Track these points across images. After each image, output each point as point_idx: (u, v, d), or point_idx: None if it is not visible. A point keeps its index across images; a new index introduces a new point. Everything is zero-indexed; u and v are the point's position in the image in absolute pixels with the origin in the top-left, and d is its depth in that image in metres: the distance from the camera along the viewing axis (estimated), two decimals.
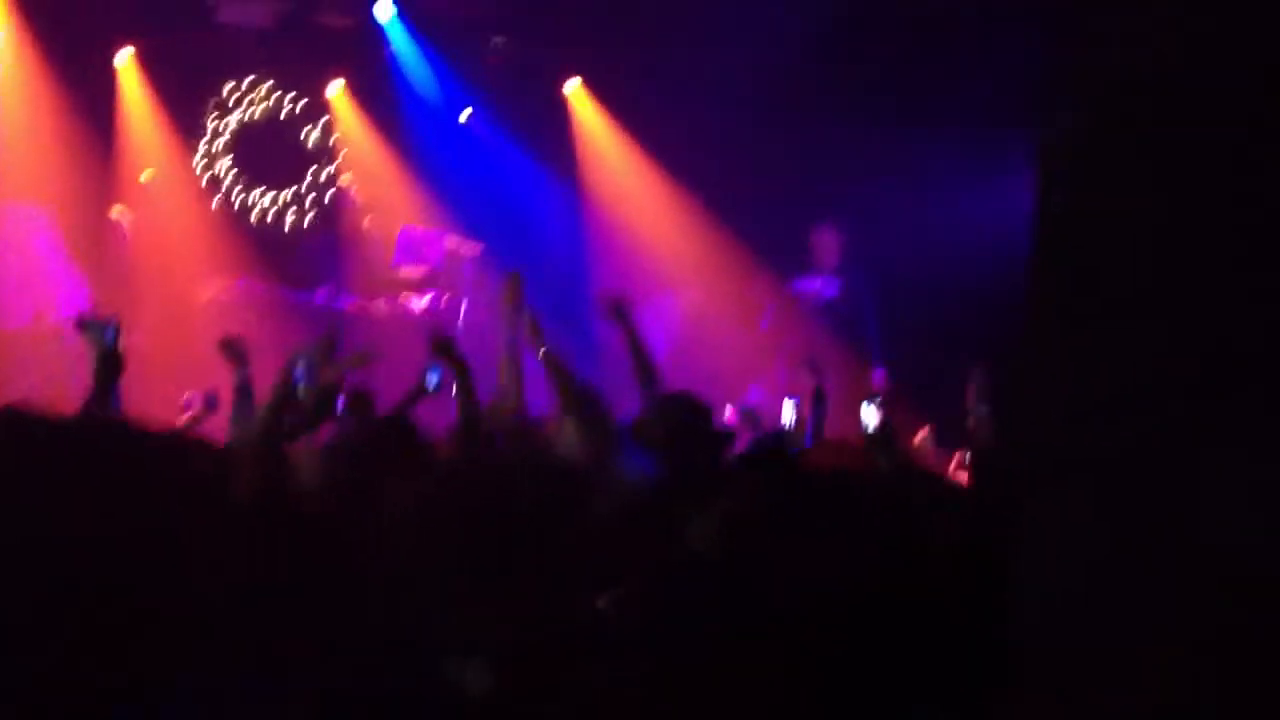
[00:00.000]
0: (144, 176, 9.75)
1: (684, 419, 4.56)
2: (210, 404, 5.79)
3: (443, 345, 4.99)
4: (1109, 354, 1.48)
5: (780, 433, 5.84)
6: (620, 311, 5.44)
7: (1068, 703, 1.45)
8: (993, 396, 5.39)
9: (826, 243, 9.28)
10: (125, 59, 10.27)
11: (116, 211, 9.65)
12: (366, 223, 10.78)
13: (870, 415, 5.72)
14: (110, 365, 4.55)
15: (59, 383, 7.71)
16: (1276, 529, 1.36)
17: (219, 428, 5.31)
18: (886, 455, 4.94)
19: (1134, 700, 1.41)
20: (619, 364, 9.47)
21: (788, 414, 6.16)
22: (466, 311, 9.23)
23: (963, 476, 5.60)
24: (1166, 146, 1.47)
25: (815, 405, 6.01)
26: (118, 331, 4.77)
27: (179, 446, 3.12)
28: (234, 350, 5.01)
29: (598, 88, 10.92)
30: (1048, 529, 1.50)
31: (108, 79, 10.28)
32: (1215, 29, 1.45)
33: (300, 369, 4.23)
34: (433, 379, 5.76)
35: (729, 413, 6.67)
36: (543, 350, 4.99)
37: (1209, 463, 1.39)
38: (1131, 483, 1.44)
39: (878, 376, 8.72)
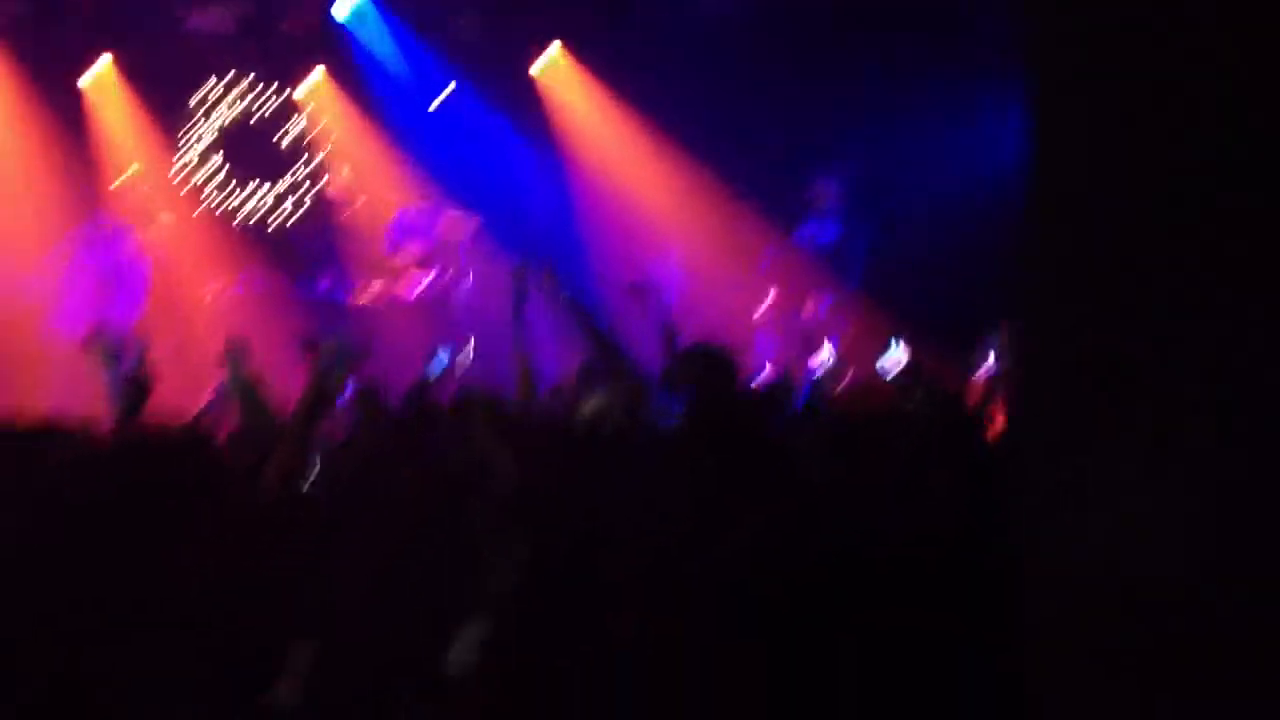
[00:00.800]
0: (118, 181, 9.72)
1: (708, 363, 4.64)
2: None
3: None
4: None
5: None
6: (642, 292, 5.55)
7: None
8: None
9: (823, 189, 9.32)
10: (103, 68, 10.28)
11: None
12: (356, 208, 10.79)
13: (896, 353, 5.69)
14: (137, 391, 4.48)
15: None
16: None
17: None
18: (922, 395, 4.96)
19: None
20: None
21: (824, 354, 6.11)
22: (469, 286, 9.24)
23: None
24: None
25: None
26: (144, 354, 4.67)
27: (200, 449, 3.15)
28: (236, 350, 4.89)
29: (574, 51, 10.90)
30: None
31: (81, 95, 10.30)
32: None
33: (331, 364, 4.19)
34: (437, 365, 5.76)
35: (768, 370, 6.61)
36: (565, 295, 5.00)
37: None
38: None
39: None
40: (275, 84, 10.93)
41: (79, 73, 10.26)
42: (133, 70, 10.40)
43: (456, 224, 9.58)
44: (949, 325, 7.59)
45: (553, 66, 10.99)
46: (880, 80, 9.29)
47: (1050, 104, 1.57)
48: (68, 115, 10.04)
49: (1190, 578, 1.42)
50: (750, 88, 9.69)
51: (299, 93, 10.99)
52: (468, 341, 8.93)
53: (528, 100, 10.91)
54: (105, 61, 10.30)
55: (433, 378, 5.80)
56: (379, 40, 10.78)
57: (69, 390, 7.86)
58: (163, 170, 10.50)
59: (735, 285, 9.71)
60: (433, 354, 6.62)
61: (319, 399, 4.12)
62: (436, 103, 10.87)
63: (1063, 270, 1.53)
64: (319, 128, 11.00)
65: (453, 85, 10.84)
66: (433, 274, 10.01)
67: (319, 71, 10.93)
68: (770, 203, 9.77)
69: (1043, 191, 1.57)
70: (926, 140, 9.22)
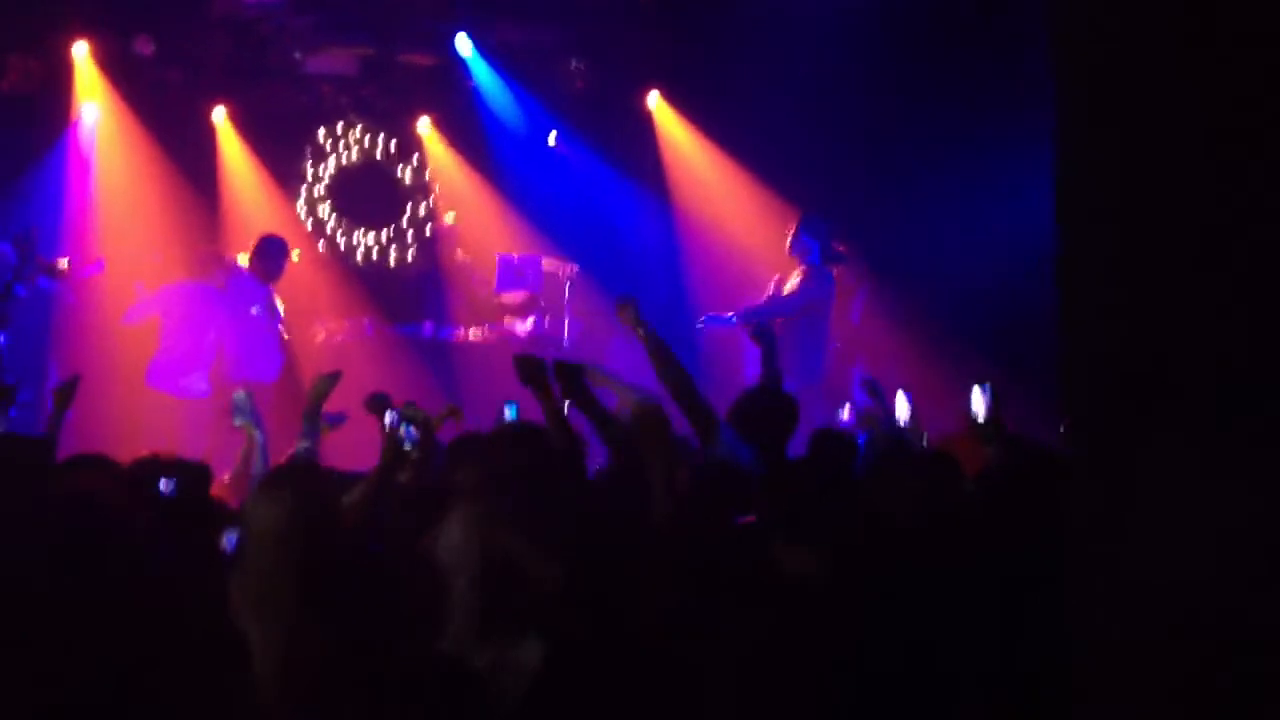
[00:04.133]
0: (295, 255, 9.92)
1: (773, 412, 4.80)
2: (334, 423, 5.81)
3: (530, 370, 4.99)
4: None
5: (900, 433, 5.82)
6: (629, 313, 5.60)
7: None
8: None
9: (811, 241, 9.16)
10: (220, 118, 10.60)
11: (296, 255, 9.90)
12: (460, 254, 11.00)
13: (979, 401, 5.62)
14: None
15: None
16: None
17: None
18: (1000, 443, 4.98)
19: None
20: (718, 370, 9.66)
21: (901, 409, 6.05)
22: (570, 331, 9.40)
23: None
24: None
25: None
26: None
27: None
28: (377, 403, 5.13)
29: (675, 99, 11.08)
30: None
31: (206, 139, 10.59)
32: None
33: (406, 428, 4.46)
34: (509, 412, 5.87)
35: (846, 412, 6.59)
36: (643, 331, 5.08)
37: None
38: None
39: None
40: (387, 128, 11.24)
41: (204, 114, 10.55)
42: (253, 111, 10.70)
43: (556, 271, 9.76)
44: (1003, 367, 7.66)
45: (654, 112, 11.18)
46: (958, 120, 9.36)
47: (1080, 117, 1.60)
48: (190, 156, 10.32)
49: (1242, 583, 1.43)
50: (839, 132, 9.81)
51: (413, 135, 11.29)
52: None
53: (631, 144, 11.10)
54: (221, 111, 10.59)
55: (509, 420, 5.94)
56: (490, 83, 11.03)
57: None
58: (280, 211, 10.78)
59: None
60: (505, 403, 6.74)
61: (394, 458, 4.39)
62: (553, 137, 11.08)
63: (1104, 277, 1.55)
64: (430, 170, 11.29)
65: (554, 134, 11.06)
66: (534, 318, 10.22)
67: (426, 121, 11.20)
68: (865, 245, 9.87)
69: (1078, 196, 1.59)
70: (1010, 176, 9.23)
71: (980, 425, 5.42)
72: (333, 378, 5.30)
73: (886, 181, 9.74)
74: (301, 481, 3.22)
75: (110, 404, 8.61)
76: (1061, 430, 5.52)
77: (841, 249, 9.17)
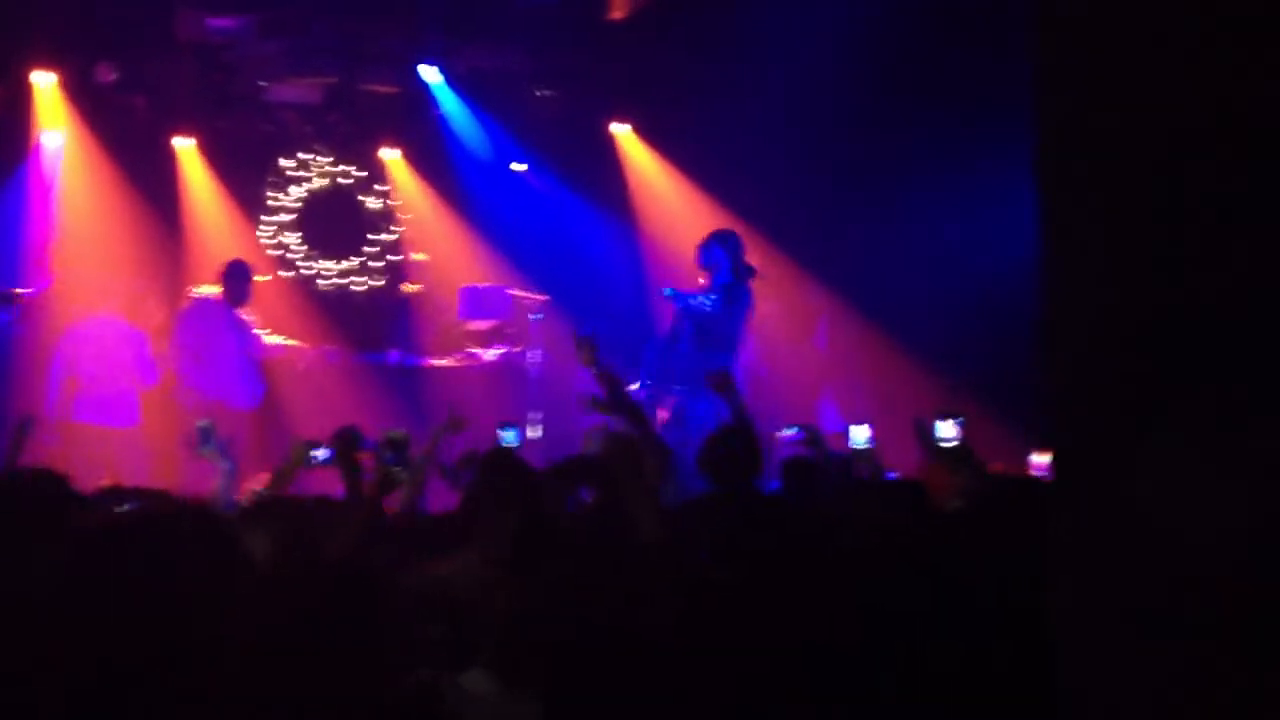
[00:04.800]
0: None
1: (730, 447, 4.85)
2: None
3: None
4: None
5: (846, 458, 5.86)
6: (726, 386, 5.71)
7: None
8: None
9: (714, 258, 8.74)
10: (184, 145, 10.57)
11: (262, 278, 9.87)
12: (425, 284, 11.00)
13: (947, 430, 5.65)
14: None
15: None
16: None
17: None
18: (971, 472, 5.01)
19: None
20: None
21: (859, 437, 6.09)
22: (536, 362, 9.39)
23: None
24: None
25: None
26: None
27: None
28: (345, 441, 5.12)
29: (641, 127, 11.12)
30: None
31: (169, 166, 10.56)
32: None
33: (389, 453, 4.45)
34: (507, 436, 5.93)
35: (791, 432, 6.51)
36: (596, 368, 5.24)
37: None
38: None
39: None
40: (352, 157, 11.23)
41: (167, 141, 10.54)
42: (217, 139, 10.68)
43: (523, 301, 9.75)
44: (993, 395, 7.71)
45: (621, 140, 11.22)
46: (925, 145, 9.43)
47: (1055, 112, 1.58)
48: (153, 183, 10.27)
49: (1248, 576, 1.42)
50: (804, 157, 9.87)
51: (378, 163, 11.28)
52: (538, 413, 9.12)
53: (597, 173, 11.13)
54: (185, 139, 10.57)
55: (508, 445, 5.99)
56: (456, 112, 11.04)
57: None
58: (243, 239, 10.74)
59: (794, 355, 9.86)
60: (504, 427, 6.81)
61: (384, 487, 4.37)
62: (519, 165, 11.11)
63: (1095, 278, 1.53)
64: (394, 201, 11.28)
65: (524, 166, 11.08)
66: (502, 347, 10.21)
67: (394, 153, 11.20)
68: (828, 270, 9.93)
69: (1064, 187, 1.56)
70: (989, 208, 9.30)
71: (947, 452, 5.47)
72: (308, 445, 5.26)
73: (854, 205, 9.79)
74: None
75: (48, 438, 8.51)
76: (1039, 443, 5.60)
77: (753, 265, 8.70)
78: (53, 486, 3.11)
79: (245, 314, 9.34)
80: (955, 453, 5.48)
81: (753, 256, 8.80)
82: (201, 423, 5.43)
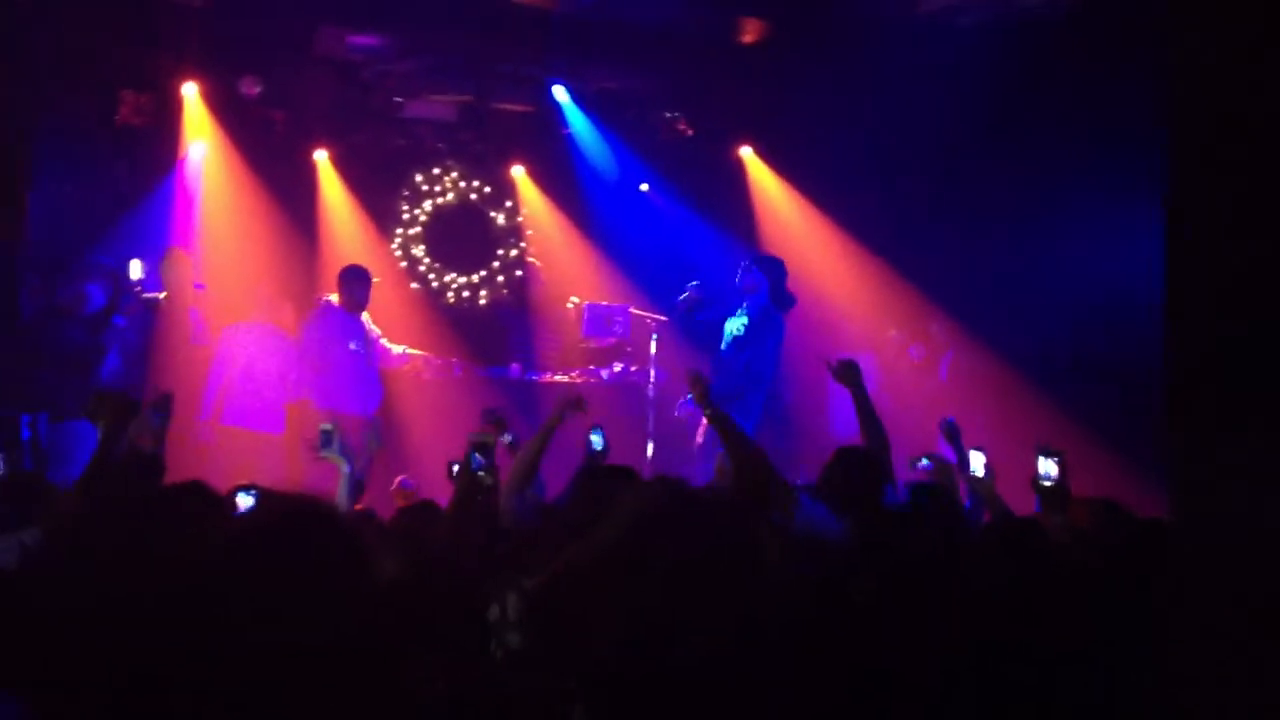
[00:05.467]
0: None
1: (856, 477, 4.80)
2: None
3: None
4: None
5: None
6: (850, 374, 5.69)
7: None
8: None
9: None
10: (322, 158, 10.85)
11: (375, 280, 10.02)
12: (548, 300, 11.13)
13: (1048, 468, 5.53)
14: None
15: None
16: None
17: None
18: (1061, 516, 4.93)
19: None
20: (805, 421, 9.67)
21: (977, 464, 6.00)
22: (655, 380, 9.45)
23: None
24: None
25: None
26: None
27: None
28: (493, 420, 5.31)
29: (767, 151, 11.17)
30: None
31: (307, 178, 10.85)
32: None
33: (477, 457, 4.55)
34: (598, 441, 5.97)
35: (924, 463, 6.50)
36: (709, 410, 5.15)
37: None
38: None
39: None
40: (482, 173, 11.44)
41: (306, 153, 10.82)
42: (353, 152, 10.93)
43: (644, 320, 9.82)
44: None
45: (747, 163, 11.27)
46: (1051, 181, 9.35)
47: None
48: (291, 194, 10.55)
49: None
50: (932, 186, 9.83)
51: (507, 180, 11.47)
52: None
53: (723, 196, 11.19)
54: (323, 151, 10.85)
55: (597, 450, 6.02)
56: (584, 131, 11.18)
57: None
58: (375, 250, 10.97)
59: (917, 385, 9.81)
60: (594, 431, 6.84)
61: (472, 487, 4.48)
62: (644, 186, 11.21)
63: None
64: (520, 217, 11.45)
65: (647, 186, 11.18)
66: (620, 365, 10.30)
67: (520, 170, 11.38)
68: (953, 300, 9.86)
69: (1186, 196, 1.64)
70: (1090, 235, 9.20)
71: (1046, 491, 5.35)
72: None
73: (976, 238, 9.73)
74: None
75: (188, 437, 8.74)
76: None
77: (793, 294, 8.58)
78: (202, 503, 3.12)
79: (372, 324, 9.46)
80: (1053, 492, 5.36)
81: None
82: (324, 425, 5.49)
